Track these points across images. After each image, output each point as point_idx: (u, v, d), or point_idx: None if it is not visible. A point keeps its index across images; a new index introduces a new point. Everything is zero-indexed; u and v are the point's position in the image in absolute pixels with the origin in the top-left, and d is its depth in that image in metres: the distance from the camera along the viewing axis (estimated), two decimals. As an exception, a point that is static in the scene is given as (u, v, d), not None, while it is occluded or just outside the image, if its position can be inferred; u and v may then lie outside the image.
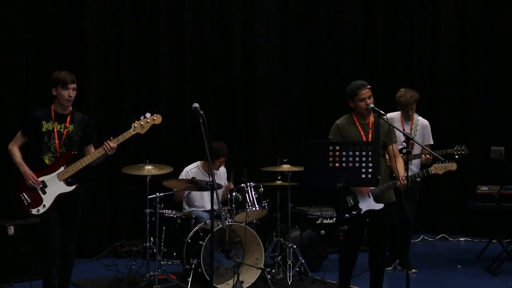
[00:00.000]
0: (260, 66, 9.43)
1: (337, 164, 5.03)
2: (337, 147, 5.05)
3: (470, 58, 10.02)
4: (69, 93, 5.50)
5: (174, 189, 6.96)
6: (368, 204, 5.64)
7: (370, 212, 5.65)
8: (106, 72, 8.55)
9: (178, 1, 9.00)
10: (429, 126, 7.44)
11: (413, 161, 7.20)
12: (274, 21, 9.55)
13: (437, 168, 5.79)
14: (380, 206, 5.65)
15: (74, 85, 5.54)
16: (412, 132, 7.27)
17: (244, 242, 6.70)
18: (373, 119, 5.75)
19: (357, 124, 5.75)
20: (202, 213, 7.14)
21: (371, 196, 5.64)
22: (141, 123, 5.60)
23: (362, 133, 5.72)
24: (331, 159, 5.02)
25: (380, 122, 5.72)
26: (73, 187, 5.50)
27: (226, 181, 7.47)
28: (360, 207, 5.61)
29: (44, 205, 5.44)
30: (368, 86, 5.69)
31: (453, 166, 5.79)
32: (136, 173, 6.76)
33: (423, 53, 10.18)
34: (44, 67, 8.06)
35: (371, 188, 5.62)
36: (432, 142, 7.40)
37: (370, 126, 5.74)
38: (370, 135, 5.71)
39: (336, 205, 5.68)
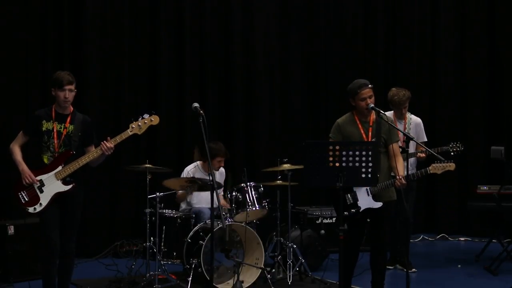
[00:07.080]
0: (260, 66, 9.43)
1: (337, 164, 5.02)
2: (337, 147, 5.04)
3: (470, 58, 10.01)
4: (65, 94, 5.49)
5: (175, 190, 6.96)
6: (367, 202, 5.63)
7: (369, 211, 5.65)
8: (106, 72, 8.55)
9: (178, 0, 9.00)
10: (422, 124, 7.42)
11: (409, 159, 7.18)
12: (274, 21, 9.55)
13: (436, 168, 5.82)
14: (379, 204, 5.65)
15: (70, 86, 5.52)
16: (406, 130, 7.26)
17: (244, 242, 6.70)
18: (374, 117, 5.75)
19: (358, 122, 5.75)
20: (203, 209, 7.12)
21: (370, 194, 5.64)
22: (139, 123, 5.59)
23: (362, 131, 5.72)
24: (331, 158, 5.02)
25: (382, 120, 5.73)
26: (69, 187, 5.50)
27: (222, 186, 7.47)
28: (359, 205, 5.61)
29: (40, 204, 5.45)
30: (370, 86, 5.70)
31: (451, 166, 5.81)
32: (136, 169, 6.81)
33: (423, 53, 10.17)
34: (44, 67, 8.06)
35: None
36: (426, 140, 7.38)
37: (371, 124, 5.75)
38: (370, 133, 5.72)
39: (336, 204, 5.69)
